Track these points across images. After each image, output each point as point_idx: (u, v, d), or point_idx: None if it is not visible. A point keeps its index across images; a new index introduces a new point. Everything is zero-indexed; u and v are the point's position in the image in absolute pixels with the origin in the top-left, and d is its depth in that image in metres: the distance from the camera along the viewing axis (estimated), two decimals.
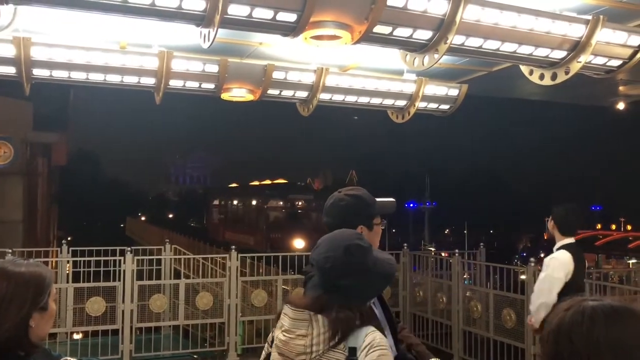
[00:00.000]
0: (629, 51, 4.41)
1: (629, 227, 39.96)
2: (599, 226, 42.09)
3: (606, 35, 4.24)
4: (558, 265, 4.57)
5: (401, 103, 6.25)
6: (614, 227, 40.53)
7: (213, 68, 5.36)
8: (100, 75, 5.13)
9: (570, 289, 4.52)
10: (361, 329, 1.83)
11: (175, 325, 8.26)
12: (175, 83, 5.33)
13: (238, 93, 5.59)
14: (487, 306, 7.64)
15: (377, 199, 2.63)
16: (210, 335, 8.53)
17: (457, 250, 8.95)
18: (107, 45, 5.26)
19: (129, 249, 7.78)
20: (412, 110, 6.26)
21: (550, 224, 4.84)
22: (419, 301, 9.00)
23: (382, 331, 2.35)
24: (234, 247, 8.49)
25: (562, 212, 4.77)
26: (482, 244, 10.68)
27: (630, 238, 36.51)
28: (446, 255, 9.34)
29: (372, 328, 1.85)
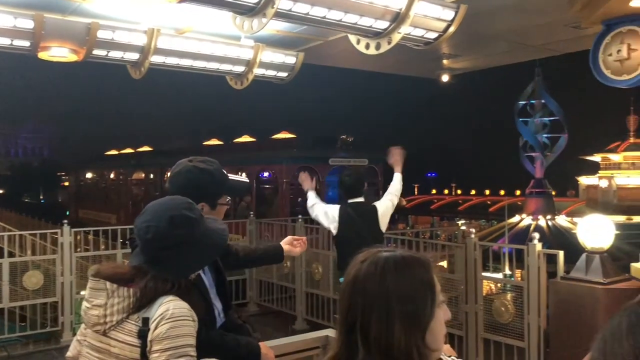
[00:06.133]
0: (444, 24, 4.77)
1: (459, 192, 44.10)
2: (433, 191, 45.83)
3: (423, 8, 4.54)
4: (325, 207, 5.27)
5: (239, 69, 6.19)
6: (446, 192, 44.44)
7: (27, 24, 4.85)
8: None
9: (343, 239, 5.10)
10: (159, 298, 1.72)
11: None
12: None
13: (58, 52, 5.13)
14: (329, 268, 7.99)
15: (230, 176, 2.46)
16: (44, 317, 7.94)
17: (300, 216, 9.23)
18: None
19: None
20: (251, 77, 6.24)
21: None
22: (265, 267, 9.15)
23: (206, 299, 2.33)
24: (66, 221, 7.92)
25: (345, 179, 5.34)
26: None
27: (460, 201, 40.35)
28: None
29: (169, 297, 1.72)
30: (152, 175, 23.46)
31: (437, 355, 1.21)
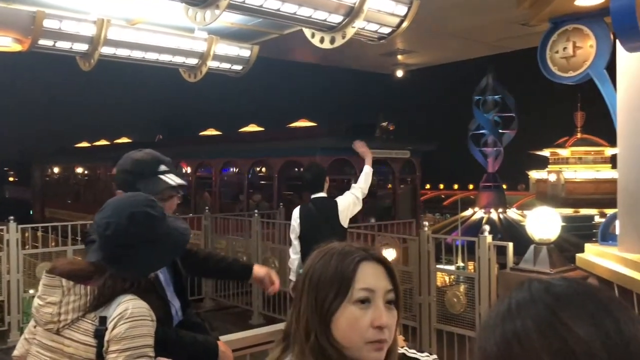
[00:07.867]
0: (397, 20, 4.81)
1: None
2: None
3: (377, 3, 4.57)
4: (293, 216, 5.39)
5: (192, 61, 6.10)
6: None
7: None
8: None
9: (305, 236, 5.14)
10: (117, 297, 1.68)
11: None
12: None
13: (1, 42, 4.92)
14: (285, 262, 7.98)
15: (167, 175, 2.33)
16: None
17: (256, 211, 9.19)
18: None
19: None
20: (204, 70, 6.16)
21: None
22: None
23: (163, 297, 2.29)
24: (12, 217, 7.63)
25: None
26: (281, 204, 11.17)
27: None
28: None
29: (128, 297, 1.69)
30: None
31: (358, 354, 1.20)
